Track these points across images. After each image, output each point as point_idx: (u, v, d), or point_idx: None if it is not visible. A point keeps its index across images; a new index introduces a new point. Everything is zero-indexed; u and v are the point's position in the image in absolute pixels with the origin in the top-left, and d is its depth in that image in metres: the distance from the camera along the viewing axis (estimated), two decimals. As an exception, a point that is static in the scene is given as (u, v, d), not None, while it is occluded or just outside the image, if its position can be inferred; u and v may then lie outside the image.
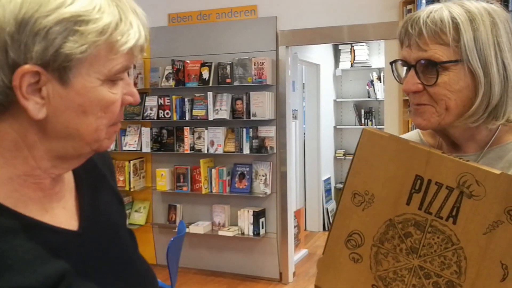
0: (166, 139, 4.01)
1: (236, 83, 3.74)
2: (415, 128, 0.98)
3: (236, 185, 3.83)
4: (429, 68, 0.79)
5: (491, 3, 0.81)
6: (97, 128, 0.60)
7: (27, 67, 0.54)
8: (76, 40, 0.55)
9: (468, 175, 0.76)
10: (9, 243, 0.55)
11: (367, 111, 5.65)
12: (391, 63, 0.89)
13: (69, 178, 0.69)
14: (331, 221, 5.30)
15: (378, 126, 5.52)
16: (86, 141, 0.60)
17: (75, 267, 0.60)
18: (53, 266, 0.58)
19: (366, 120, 5.64)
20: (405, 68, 0.85)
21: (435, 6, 0.81)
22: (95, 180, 0.74)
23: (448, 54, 0.78)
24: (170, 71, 3.94)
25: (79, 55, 0.55)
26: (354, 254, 0.86)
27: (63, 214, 0.65)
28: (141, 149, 4.07)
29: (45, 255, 0.58)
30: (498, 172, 0.73)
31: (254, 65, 3.68)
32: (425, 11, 0.80)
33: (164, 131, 4.01)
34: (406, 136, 1.00)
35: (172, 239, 2.66)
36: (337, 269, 0.88)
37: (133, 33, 0.59)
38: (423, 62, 0.79)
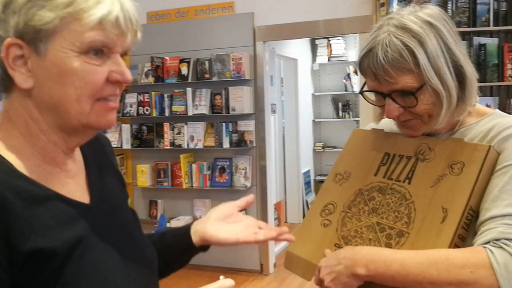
0: (146, 135, 4.02)
1: (214, 79, 3.78)
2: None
3: (216, 179, 3.88)
4: (406, 95, 0.87)
5: (422, 8, 0.88)
6: (78, 99, 0.64)
7: (8, 40, 0.62)
8: (42, 14, 0.61)
9: (423, 145, 0.90)
10: (33, 210, 0.62)
11: (344, 104, 5.76)
12: (360, 93, 0.96)
13: (79, 160, 0.77)
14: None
15: (355, 119, 5.63)
16: (71, 113, 0.65)
17: (88, 235, 0.68)
18: (70, 232, 0.65)
19: (343, 113, 5.75)
20: (374, 93, 0.92)
21: (381, 37, 0.85)
22: (100, 162, 0.81)
23: (417, 80, 0.85)
24: (149, 68, 3.95)
25: (45, 26, 0.62)
26: (325, 221, 0.98)
27: (76, 189, 0.72)
28: (121, 146, 4.07)
29: (64, 223, 0.65)
30: (445, 138, 0.88)
31: (232, 60, 3.72)
32: (378, 46, 0.84)
33: (144, 128, 4.03)
34: (383, 122, 1.09)
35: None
36: (307, 235, 0.99)
37: (103, 8, 0.63)
38: (398, 93, 0.87)
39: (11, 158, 0.65)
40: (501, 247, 0.74)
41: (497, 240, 0.75)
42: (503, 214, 0.77)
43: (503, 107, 2.95)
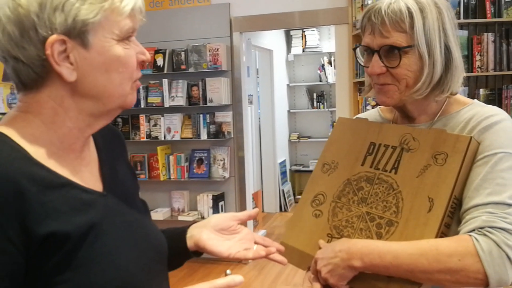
0: (122, 128, 3.97)
1: (191, 70, 3.76)
2: (366, 108, 1.11)
3: (194, 170, 3.88)
4: (391, 53, 0.91)
5: None
6: (121, 83, 0.70)
7: (54, 37, 0.65)
8: (87, 8, 0.66)
9: (407, 135, 0.94)
10: (48, 196, 0.65)
11: (319, 95, 5.83)
12: (354, 49, 1.01)
13: (92, 150, 0.79)
14: (287, 202, 5.48)
15: (330, 109, 5.72)
16: (114, 96, 0.71)
17: (101, 221, 0.70)
18: (84, 218, 0.68)
19: (318, 103, 5.83)
20: (366, 53, 0.96)
21: None
22: (112, 152, 0.84)
23: (406, 40, 0.89)
24: (123, 58, 3.88)
25: (92, 19, 0.66)
26: (317, 211, 1.00)
27: (90, 178, 0.75)
28: (95, 138, 4.00)
29: (77, 209, 0.68)
30: (428, 129, 0.92)
31: (209, 51, 3.70)
32: (384, 3, 0.91)
33: (119, 120, 3.96)
34: (367, 113, 1.14)
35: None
36: (300, 225, 1.01)
37: None
38: (386, 47, 0.91)
39: (27, 146, 0.67)
40: (485, 235, 0.79)
41: (481, 228, 0.79)
42: (486, 202, 0.82)
43: (472, 97, 3.05)
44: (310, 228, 0.99)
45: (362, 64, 1.00)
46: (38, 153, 0.67)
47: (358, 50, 1.00)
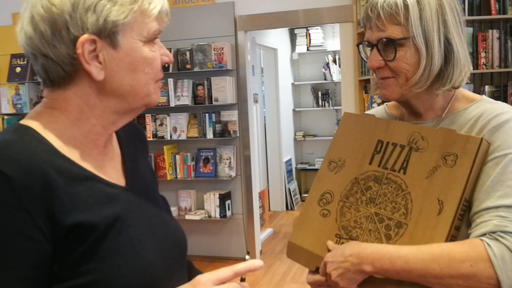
0: (128, 127, 3.99)
1: (196, 69, 3.77)
2: (372, 106, 1.11)
3: (201, 169, 3.90)
4: (388, 46, 0.91)
5: None
6: (146, 83, 0.73)
7: (85, 36, 0.67)
8: (117, 9, 0.68)
9: (416, 134, 0.91)
10: (74, 188, 0.67)
11: (324, 93, 5.83)
12: (357, 45, 1.01)
13: (115, 146, 0.82)
14: (293, 201, 5.48)
15: (335, 107, 5.72)
16: (139, 95, 0.73)
17: (124, 214, 0.73)
18: (109, 210, 0.70)
19: (323, 101, 5.83)
20: (369, 48, 0.97)
21: None
22: (134, 149, 0.86)
23: (402, 32, 0.89)
24: (129, 58, 3.90)
25: (122, 20, 0.69)
26: (324, 210, 0.99)
27: (113, 173, 0.78)
28: (102, 138, 4.02)
29: (102, 201, 0.71)
30: (437, 128, 0.90)
31: (214, 50, 3.72)
32: None
33: (126, 119, 3.99)
34: (373, 110, 1.13)
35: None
36: (308, 225, 1.00)
37: (158, 1, 0.73)
38: (383, 40, 0.91)
39: (53, 140, 0.70)
40: (497, 240, 0.78)
41: (493, 232, 0.78)
42: (497, 205, 0.80)
43: (477, 94, 3.06)
44: (318, 228, 0.98)
45: (365, 60, 1.00)
46: (63, 147, 0.70)
47: (361, 46, 1.00)
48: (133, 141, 0.87)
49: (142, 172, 0.85)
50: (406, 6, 0.89)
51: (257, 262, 0.69)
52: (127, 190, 0.77)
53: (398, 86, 0.93)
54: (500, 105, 0.92)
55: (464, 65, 0.92)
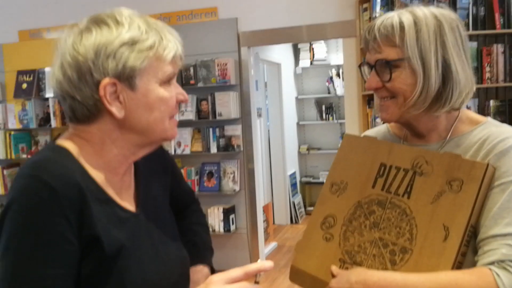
0: (132, 142, 4.00)
1: (200, 84, 3.79)
2: (375, 121, 1.11)
3: (205, 184, 3.89)
4: (385, 67, 0.91)
5: (441, 7, 0.93)
6: (162, 120, 0.81)
7: (107, 80, 0.76)
8: (135, 56, 0.77)
9: (420, 158, 0.90)
10: (97, 207, 0.76)
11: (327, 107, 5.83)
12: (359, 66, 1.01)
13: (132, 172, 0.91)
14: (298, 214, 5.45)
15: (339, 121, 5.72)
16: (156, 131, 0.81)
17: (133, 237, 0.81)
18: (120, 233, 0.79)
19: (327, 115, 5.83)
20: (369, 69, 0.97)
21: (389, 14, 0.93)
22: (150, 173, 0.94)
23: (397, 54, 0.89)
24: (134, 73, 3.93)
25: (139, 65, 0.77)
26: (327, 234, 0.98)
27: (127, 199, 0.86)
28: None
29: (116, 223, 0.79)
30: (442, 152, 0.89)
31: (218, 66, 3.74)
32: (380, 19, 0.92)
33: (130, 134, 4.00)
34: (376, 129, 1.13)
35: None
36: (311, 249, 0.99)
37: (172, 46, 0.80)
38: (379, 62, 0.91)
39: (83, 163, 0.79)
40: (506, 269, 0.77)
41: (501, 261, 0.78)
42: (504, 233, 0.80)
43: (482, 108, 3.05)
44: (321, 252, 0.96)
45: (366, 80, 1.00)
46: (91, 170, 0.79)
47: (362, 67, 1.00)
48: (150, 163, 0.94)
49: (154, 196, 0.92)
50: (402, 28, 0.89)
51: (267, 263, 0.73)
52: (137, 216, 0.85)
53: (397, 107, 0.93)
54: (506, 129, 0.91)
55: (464, 86, 0.91)
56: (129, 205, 0.85)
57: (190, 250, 0.97)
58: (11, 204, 0.71)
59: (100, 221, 0.75)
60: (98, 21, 0.78)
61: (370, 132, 1.13)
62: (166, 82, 0.80)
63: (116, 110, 0.77)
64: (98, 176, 0.79)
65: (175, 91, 0.82)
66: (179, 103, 0.84)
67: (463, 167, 0.84)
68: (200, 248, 1.05)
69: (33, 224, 0.70)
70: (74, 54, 0.76)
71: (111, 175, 0.82)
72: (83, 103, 0.77)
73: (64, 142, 0.80)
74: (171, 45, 0.80)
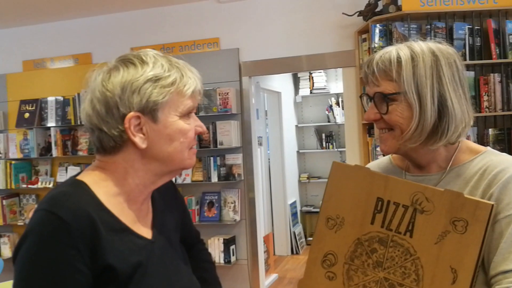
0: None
1: (201, 113, 3.82)
2: (376, 150, 1.11)
3: (205, 213, 3.86)
4: (382, 100, 0.93)
5: (439, 43, 0.94)
6: (181, 150, 0.88)
7: (132, 113, 0.83)
8: (157, 92, 0.84)
9: (419, 194, 0.87)
10: (111, 236, 0.82)
11: (327, 135, 5.86)
12: (360, 97, 1.04)
13: (149, 202, 0.96)
14: (299, 244, 5.38)
15: (339, 149, 5.73)
16: (175, 160, 0.88)
17: (148, 263, 0.86)
18: (135, 259, 0.84)
19: (327, 143, 5.84)
20: (369, 101, 0.99)
21: (388, 49, 0.95)
22: (164, 205, 1.01)
23: (394, 88, 0.91)
24: (135, 103, 3.96)
25: (161, 100, 0.84)
26: (329, 273, 0.95)
27: (144, 226, 0.91)
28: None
29: (131, 250, 0.84)
30: (442, 189, 0.86)
31: (219, 95, 3.78)
32: (378, 54, 0.95)
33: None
34: (378, 161, 1.13)
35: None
36: None
37: (192, 82, 0.88)
38: (377, 95, 0.94)
39: (101, 195, 0.85)
40: None
41: None
42: None
43: (481, 137, 3.07)
44: None
45: (365, 110, 1.02)
46: (108, 202, 0.85)
47: (363, 98, 1.03)
48: (164, 198, 1.01)
49: (167, 227, 0.98)
50: (399, 62, 0.91)
51: None
52: (152, 243, 0.90)
53: (395, 139, 0.94)
54: (505, 158, 0.92)
55: (460, 121, 0.91)
56: (146, 232, 0.90)
57: (202, 286, 1.01)
58: (27, 235, 0.78)
59: (114, 249, 0.80)
60: (125, 61, 0.86)
61: (373, 164, 1.13)
62: (186, 115, 0.87)
63: (139, 140, 0.84)
64: (115, 206, 0.85)
65: (194, 123, 0.89)
66: (197, 134, 0.90)
67: (466, 207, 0.82)
68: (210, 284, 1.10)
69: (46, 255, 0.75)
70: (103, 90, 0.83)
71: (130, 204, 0.88)
72: (109, 135, 0.84)
73: (84, 176, 0.86)
74: (191, 81, 0.87)
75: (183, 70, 0.88)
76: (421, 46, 0.92)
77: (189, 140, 0.88)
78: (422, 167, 0.99)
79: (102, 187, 0.85)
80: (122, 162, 0.86)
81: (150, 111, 0.83)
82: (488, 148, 0.97)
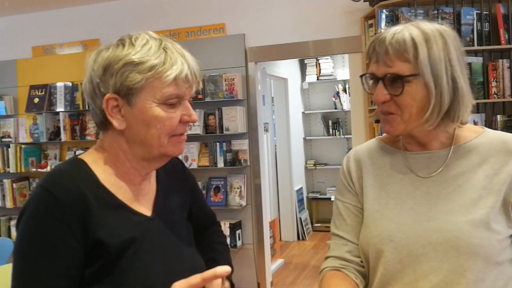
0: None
1: (208, 99, 3.83)
2: (382, 136, 1.10)
3: (211, 198, 3.90)
4: (395, 81, 0.91)
5: (441, 24, 0.95)
6: (159, 136, 0.86)
7: (108, 95, 0.85)
8: (133, 76, 0.83)
9: None
10: (105, 212, 0.84)
11: (334, 122, 5.85)
12: (360, 76, 1.02)
13: (153, 182, 0.98)
14: (305, 230, 5.42)
15: (346, 136, 5.72)
16: (153, 146, 0.87)
17: (143, 239, 0.87)
18: (128, 234, 0.85)
19: (334, 130, 5.84)
20: (372, 81, 0.97)
21: (397, 28, 0.93)
22: (169, 185, 1.01)
23: (410, 69, 0.90)
24: (142, 89, 3.98)
25: (135, 85, 0.83)
26: None
27: (144, 204, 0.93)
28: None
29: (126, 226, 0.86)
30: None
31: (225, 81, 3.79)
32: (389, 33, 0.93)
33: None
34: (366, 144, 1.12)
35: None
36: None
37: (175, 69, 0.84)
38: (390, 76, 0.91)
39: (99, 173, 0.88)
40: None
41: None
42: None
43: (489, 123, 3.05)
44: None
45: (368, 91, 1.00)
46: (106, 180, 0.88)
47: (364, 77, 1.00)
48: (170, 178, 1.01)
49: (170, 206, 0.98)
50: (415, 44, 0.89)
51: (222, 269, 0.76)
52: (150, 219, 0.91)
53: (402, 122, 0.94)
54: (505, 133, 0.97)
55: (468, 101, 0.94)
56: (145, 210, 0.92)
57: (211, 267, 0.92)
58: (24, 211, 0.82)
59: (106, 225, 0.83)
60: (120, 40, 0.88)
61: (361, 148, 1.11)
62: (165, 102, 0.85)
63: (116, 122, 0.86)
64: (112, 184, 0.88)
65: (180, 111, 0.87)
66: (186, 123, 0.88)
67: None
68: (220, 264, 1.03)
69: (39, 230, 0.79)
70: (90, 69, 0.87)
71: (127, 184, 0.90)
72: (96, 112, 0.88)
73: (86, 155, 0.90)
74: (175, 67, 0.84)
75: (172, 55, 0.85)
76: (429, 27, 0.92)
77: (167, 128, 0.86)
78: (423, 144, 0.99)
79: (101, 165, 0.89)
80: (113, 142, 0.89)
81: (125, 94, 0.84)
82: (484, 127, 1.00)
